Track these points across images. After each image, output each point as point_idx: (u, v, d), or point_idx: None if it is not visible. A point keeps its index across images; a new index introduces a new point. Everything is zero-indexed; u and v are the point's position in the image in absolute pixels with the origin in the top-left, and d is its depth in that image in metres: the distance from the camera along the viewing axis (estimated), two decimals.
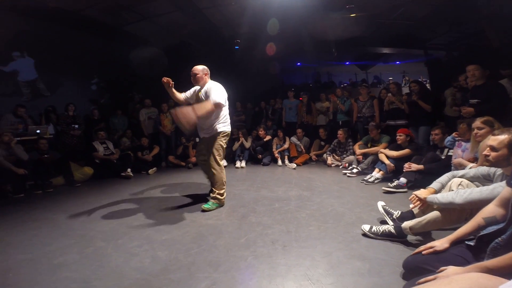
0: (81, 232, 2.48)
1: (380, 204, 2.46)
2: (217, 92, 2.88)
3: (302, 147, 5.94)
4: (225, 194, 3.12)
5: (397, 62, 11.60)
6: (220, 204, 3.07)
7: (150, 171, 5.24)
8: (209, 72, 3.11)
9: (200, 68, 3.03)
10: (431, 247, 1.48)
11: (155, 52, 7.56)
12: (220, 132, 3.03)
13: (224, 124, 3.06)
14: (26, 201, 3.66)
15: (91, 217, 2.90)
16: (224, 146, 3.10)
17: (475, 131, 2.52)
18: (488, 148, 1.70)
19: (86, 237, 2.38)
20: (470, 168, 2.23)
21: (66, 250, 2.13)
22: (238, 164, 5.63)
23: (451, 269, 1.19)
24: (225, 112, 3.07)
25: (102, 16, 5.93)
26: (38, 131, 4.99)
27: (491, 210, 1.45)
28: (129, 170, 4.96)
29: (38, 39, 5.78)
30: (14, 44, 5.58)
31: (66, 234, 2.46)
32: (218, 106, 2.84)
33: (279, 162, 5.68)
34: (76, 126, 5.53)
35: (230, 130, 3.16)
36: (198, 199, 3.36)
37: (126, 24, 6.41)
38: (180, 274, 1.74)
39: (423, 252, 1.48)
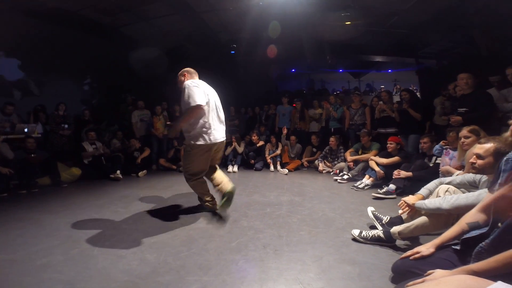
0: (67, 233, 2.42)
1: (370, 209, 2.49)
2: (192, 92, 2.48)
3: (289, 145, 5.98)
4: (211, 198, 2.93)
5: (389, 70, 11.86)
6: (211, 207, 2.93)
7: (140, 173, 5.17)
8: (189, 73, 2.80)
9: (180, 72, 2.82)
10: (417, 252, 1.51)
11: (150, 54, 7.54)
12: (194, 145, 2.61)
13: (201, 136, 2.59)
14: (10, 201, 3.56)
15: (78, 218, 2.83)
16: (202, 157, 2.70)
17: (462, 139, 2.59)
18: (474, 156, 1.75)
19: (72, 238, 2.32)
20: (457, 175, 2.28)
21: (51, 251, 2.07)
22: (230, 168, 5.61)
23: (438, 272, 1.21)
24: (206, 119, 2.60)
25: (99, 17, 5.91)
26: (26, 130, 4.91)
27: (473, 215, 1.49)
28: (118, 172, 4.87)
29: (31, 38, 5.68)
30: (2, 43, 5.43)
31: (51, 234, 2.39)
32: (196, 109, 2.47)
33: (271, 167, 5.69)
34: (66, 126, 5.44)
35: (211, 142, 2.62)
36: (188, 202, 3.32)
37: (122, 25, 6.39)
38: (169, 277, 1.71)
39: (411, 258, 1.51)
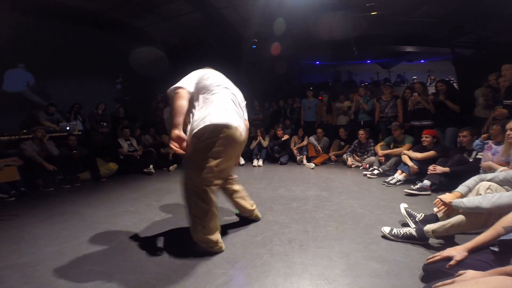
0: (106, 226, 2.59)
1: (403, 206, 2.39)
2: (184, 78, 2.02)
3: (319, 148, 5.85)
4: (216, 239, 1.99)
5: (422, 61, 11.12)
6: (210, 248, 1.98)
7: (170, 167, 5.39)
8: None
9: None
10: (448, 257, 1.44)
11: (175, 51, 7.77)
12: (193, 132, 1.88)
13: (198, 121, 1.89)
14: (55, 195, 3.88)
15: (115, 211, 3.03)
16: (207, 150, 1.88)
17: (508, 132, 2.38)
18: None
19: (110, 231, 2.49)
20: (501, 171, 2.11)
21: (91, 243, 2.23)
22: (255, 162, 5.65)
23: (470, 273, 1.15)
24: (201, 103, 1.96)
25: (125, 18, 6.18)
26: (68, 128, 5.29)
27: (511, 219, 1.38)
28: (151, 166, 5.13)
29: (61, 40, 5.98)
30: (21, 49, 5.52)
31: (92, 227, 2.57)
32: (174, 93, 1.92)
33: (298, 158, 5.65)
34: (105, 124, 5.82)
35: (209, 124, 1.84)
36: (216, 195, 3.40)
37: (147, 25, 6.63)
38: (198, 270, 1.78)
39: (447, 266, 1.44)
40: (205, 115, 1.90)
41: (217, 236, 1.99)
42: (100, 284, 1.66)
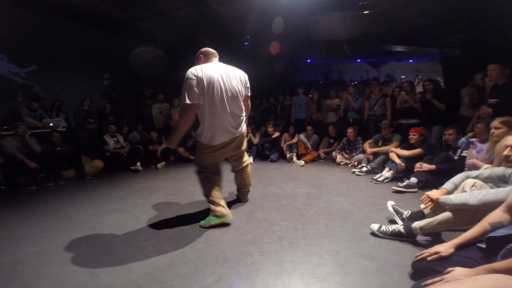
0: (90, 225, 2.52)
1: (390, 203, 2.41)
2: (186, 86, 2.18)
3: (309, 145, 5.88)
4: (219, 207, 2.40)
5: (410, 60, 11.35)
6: (218, 218, 2.37)
7: (158, 165, 5.30)
8: (205, 55, 2.44)
9: (197, 54, 2.49)
10: (436, 252, 1.46)
11: (164, 47, 7.62)
12: (197, 141, 2.49)
13: (201, 133, 2.38)
14: (38, 193, 3.75)
15: (100, 210, 2.95)
16: (208, 156, 2.45)
17: (493, 130, 2.44)
18: (508, 149, 1.64)
19: (95, 229, 2.41)
20: (485, 169, 2.15)
21: (76, 243, 2.16)
22: None
23: (458, 270, 1.16)
24: (205, 117, 2.29)
25: (113, 12, 6.00)
26: (51, 124, 5.11)
27: (497, 215, 1.42)
28: (138, 164, 5.02)
29: (47, 35, 5.80)
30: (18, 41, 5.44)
31: (76, 226, 2.50)
32: (187, 108, 2.19)
33: (287, 155, 5.65)
34: (92, 120, 5.66)
35: (208, 143, 2.36)
36: None
37: (137, 20, 6.47)
38: (187, 269, 1.74)
39: (428, 259, 1.47)
40: (200, 132, 2.39)
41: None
42: (85, 285, 1.61)
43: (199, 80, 2.19)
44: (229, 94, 2.33)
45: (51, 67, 6.04)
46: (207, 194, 2.46)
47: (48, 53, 5.87)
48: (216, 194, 2.45)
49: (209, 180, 2.48)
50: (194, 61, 2.50)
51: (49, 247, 2.11)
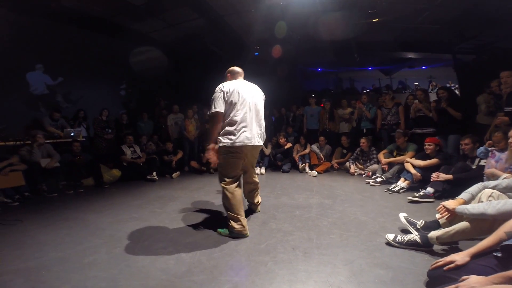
0: (110, 232, 2.61)
1: (402, 215, 2.39)
2: (213, 98, 2.49)
3: (322, 156, 5.86)
4: (238, 225, 2.42)
5: (424, 67, 11.20)
6: (232, 233, 2.43)
7: (174, 175, 5.42)
8: (231, 73, 2.74)
9: (226, 72, 2.79)
10: (451, 261, 1.45)
11: (179, 59, 7.85)
12: (220, 146, 2.49)
13: (224, 137, 2.47)
14: (59, 200, 3.91)
15: (119, 217, 3.04)
16: (231, 162, 2.51)
17: (511, 140, 2.40)
18: None
19: (114, 237, 2.49)
20: (504, 178, 2.12)
21: (96, 250, 2.24)
22: (257, 170, 5.65)
23: (473, 278, 1.16)
24: (229, 122, 2.47)
25: (129, 23, 6.26)
26: (72, 134, 5.32)
27: None
28: (154, 173, 5.16)
29: (70, 45, 6.08)
30: (35, 53, 5.65)
31: (96, 233, 2.59)
32: (213, 116, 2.48)
33: (300, 166, 5.65)
34: (109, 130, 5.86)
35: (234, 144, 2.42)
36: (219, 202, 3.41)
37: (152, 31, 6.72)
38: (203, 277, 1.78)
39: (444, 268, 1.46)
40: (224, 134, 2.49)
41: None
42: None
43: (224, 93, 2.48)
44: (254, 107, 2.60)
45: (72, 77, 6.31)
46: (229, 209, 2.48)
47: (71, 64, 6.15)
48: (238, 211, 2.46)
49: (233, 196, 2.50)
50: (224, 79, 2.76)
51: (70, 253, 2.19)
